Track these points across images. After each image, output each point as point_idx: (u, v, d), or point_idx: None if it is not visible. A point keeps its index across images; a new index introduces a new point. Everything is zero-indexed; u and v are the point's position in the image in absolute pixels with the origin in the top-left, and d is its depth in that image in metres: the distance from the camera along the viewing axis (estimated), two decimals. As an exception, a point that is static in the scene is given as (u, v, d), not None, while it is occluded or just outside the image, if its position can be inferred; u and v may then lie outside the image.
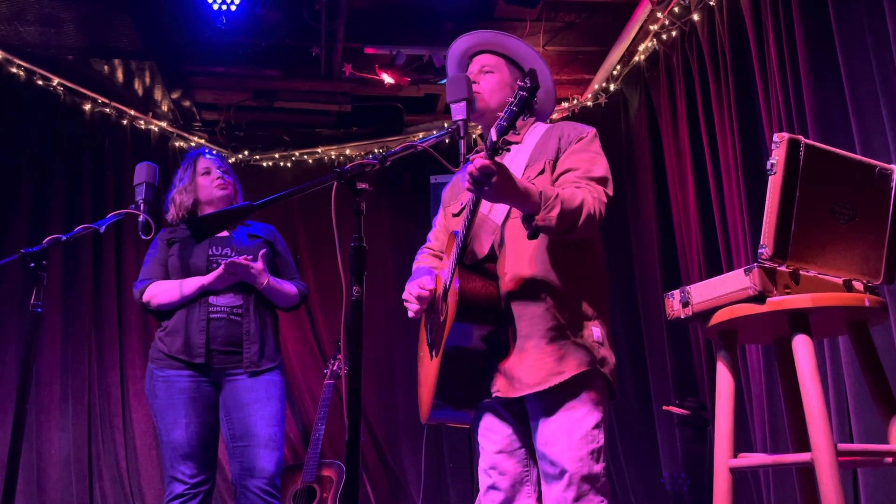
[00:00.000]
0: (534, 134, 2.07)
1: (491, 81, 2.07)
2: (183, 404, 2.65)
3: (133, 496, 4.23)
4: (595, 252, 1.98)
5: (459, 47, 2.17)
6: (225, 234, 2.88)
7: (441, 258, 2.17)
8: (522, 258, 1.90)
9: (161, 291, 2.75)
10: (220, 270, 2.69)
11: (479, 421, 2.02)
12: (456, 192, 2.21)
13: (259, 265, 2.73)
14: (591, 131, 2.01)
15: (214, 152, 3.05)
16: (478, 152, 1.83)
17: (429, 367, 1.99)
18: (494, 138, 1.63)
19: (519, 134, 2.07)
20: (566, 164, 1.93)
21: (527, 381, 1.83)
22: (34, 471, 4.00)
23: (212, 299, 2.73)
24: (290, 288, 2.87)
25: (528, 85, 1.59)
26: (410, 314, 2.04)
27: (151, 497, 4.27)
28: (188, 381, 2.67)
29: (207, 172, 2.93)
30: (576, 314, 1.87)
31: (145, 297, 2.77)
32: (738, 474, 1.82)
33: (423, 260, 2.22)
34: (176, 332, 2.71)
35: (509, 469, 1.94)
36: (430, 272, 2.07)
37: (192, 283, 2.73)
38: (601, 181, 1.89)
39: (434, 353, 1.94)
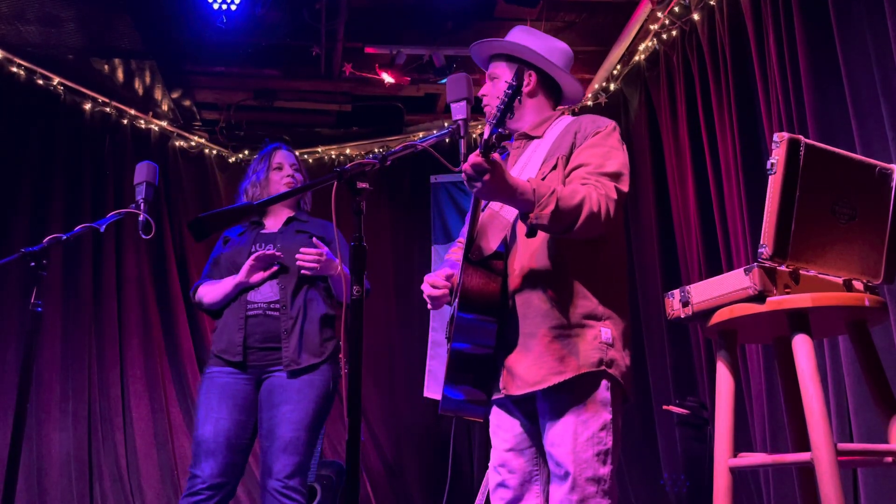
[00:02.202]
0: (555, 129, 2.04)
1: (496, 88, 2.08)
2: (217, 398, 2.62)
3: (133, 495, 4.23)
4: (611, 251, 1.94)
5: (476, 56, 2.18)
6: (273, 230, 2.85)
7: None
8: (532, 255, 1.89)
9: (207, 292, 2.77)
10: (248, 262, 2.66)
11: (491, 417, 2.02)
12: None
13: (317, 252, 2.64)
14: (609, 125, 1.97)
15: (286, 147, 3.01)
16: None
17: (445, 358, 1.99)
18: (486, 136, 1.65)
19: (540, 128, 2.06)
20: (579, 158, 1.90)
21: (527, 379, 1.82)
22: (34, 470, 4.00)
23: (249, 296, 2.70)
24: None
25: (514, 83, 1.63)
26: (429, 306, 2.06)
27: (151, 496, 4.28)
28: (228, 377, 2.65)
29: (280, 168, 2.91)
30: (583, 313, 1.85)
31: (196, 298, 2.80)
32: (737, 474, 1.82)
33: (452, 253, 2.24)
34: (220, 331, 2.72)
35: (518, 467, 1.93)
36: (455, 264, 2.09)
37: (229, 282, 2.72)
38: (613, 176, 1.84)
39: (448, 346, 1.96)
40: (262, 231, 2.85)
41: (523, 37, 2.11)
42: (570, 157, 1.92)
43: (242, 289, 2.71)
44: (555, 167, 1.92)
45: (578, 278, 1.87)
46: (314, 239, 2.71)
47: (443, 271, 2.04)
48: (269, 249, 2.75)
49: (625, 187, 1.85)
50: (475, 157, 1.65)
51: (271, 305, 2.69)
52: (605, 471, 1.79)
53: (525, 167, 1.98)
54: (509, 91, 1.63)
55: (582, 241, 1.86)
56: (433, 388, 4.76)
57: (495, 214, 1.98)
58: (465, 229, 2.27)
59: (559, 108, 2.17)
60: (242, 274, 2.68)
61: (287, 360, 2.64)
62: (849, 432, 2.66)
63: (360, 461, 1.49)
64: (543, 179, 1.87)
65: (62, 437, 4.14)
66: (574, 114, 4.87)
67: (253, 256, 2.67)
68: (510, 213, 1.95)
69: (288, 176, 2.89)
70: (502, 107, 1.64)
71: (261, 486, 2.60)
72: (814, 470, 1.62)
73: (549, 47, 2.09)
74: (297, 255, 2.67)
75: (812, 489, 1.86)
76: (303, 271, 2.68)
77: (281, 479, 2.54)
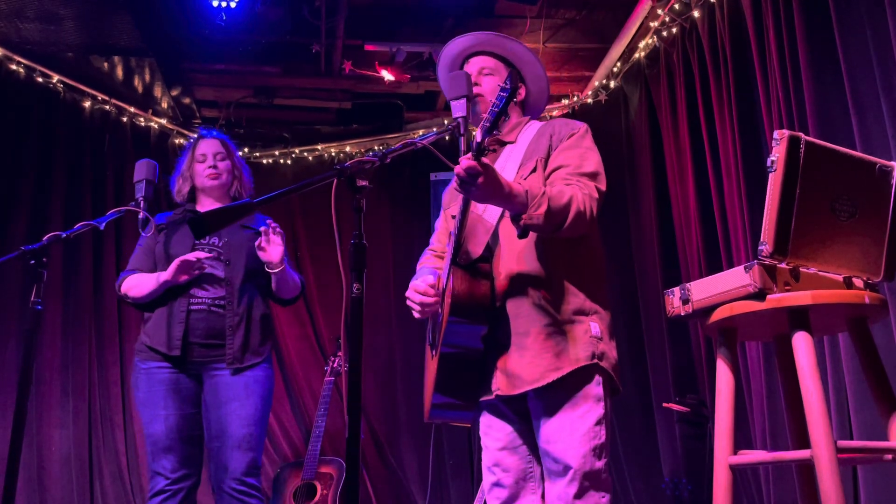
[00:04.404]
0: (527, 133, 2.08)
1: (492, 83, 2.08)
2: (162, 396, 2.59)
3: (133, 493, 4.23)
4: (591, 247, 1.98)
5: (456, 48, 2.17)
6: None
7: (443, 258, 2.18)
8: (517, 256, 1.91)
9: (135, 285, 2.69)
10: (174, 265, 2.58)
11: (480, 419, 2.03)
12: (455, 193, 2.21)
13: (274, 241, 2.63)
14: (582, 127, 2.02)
15: (216, 133, 2.93)
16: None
17: (430, 366, 2.00)
18: (479, 139, 1.65)
19: (512, 134, 2.09)
20: (557, 160, 1.94)
21: (526, 378, 1.84)
22: (35, 468, 4.00)
23: (194, 290, 2.66)
24: (295, 277, 2.78)
25: (508, 86, 1.63)
26: (415, 315, 2.02)
27: (152, 494, 4.28)
28: (167, 373, 2.62)
29: (203, 159, 2.84)
30: (572, 310, 1.88)
31: (123, 290, 2.72)
32: (737, 471, 1.83)
33: (426, 261, 2.23)
34: (157, 323, 2.65)
35: (513, 466, 1.95)
36: (434, 271, 2.07)
37: (153, 279, 2.64)
38: (592, 176, 1.90)
39: (433, 353, 1.95)
40: None
41: (506, 40, 2.13)
42: (548, 160, 1.96)
43: (188, 282, 2.63)
44: (534, 170, 1.95)
45: (565, 276, 1.90)
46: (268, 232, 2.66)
47: (425, 279, 1.99)
48: (215, 242, 2.72)
49: (603, 186, 1.91)
50: (468, 161, 1.65)
51: (216, 301, 2.66)
52: (600, 464, 1.82)
53: (502, 172, 1.98)
54: (503, 94, 1.63)
55: (564, 240, 1.90)
56: (433, 386, 4.75)
57: (479, 218, 1.99)
58: (433, 237, 2.27)
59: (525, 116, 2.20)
60: (169, 273, 2.60)
61: (231, 357, 2.62)
62: (849, 429, 2.66)
63: (360, 458, 1.48)
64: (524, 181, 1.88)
65: (62, 435, 4.14)
66: (574, 111, 4.89)
67: (179, 260, 2.59)
68: (492, 216, 1.97)
69: (210, 167, 2.81)
70: (496, 110, 1.64)
71: (215, 486, 2.59)
72: (814, 467, 1.62)
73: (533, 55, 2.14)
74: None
75: (812, 486, 1.86)
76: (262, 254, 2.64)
77: (238, 478, 2.54)
